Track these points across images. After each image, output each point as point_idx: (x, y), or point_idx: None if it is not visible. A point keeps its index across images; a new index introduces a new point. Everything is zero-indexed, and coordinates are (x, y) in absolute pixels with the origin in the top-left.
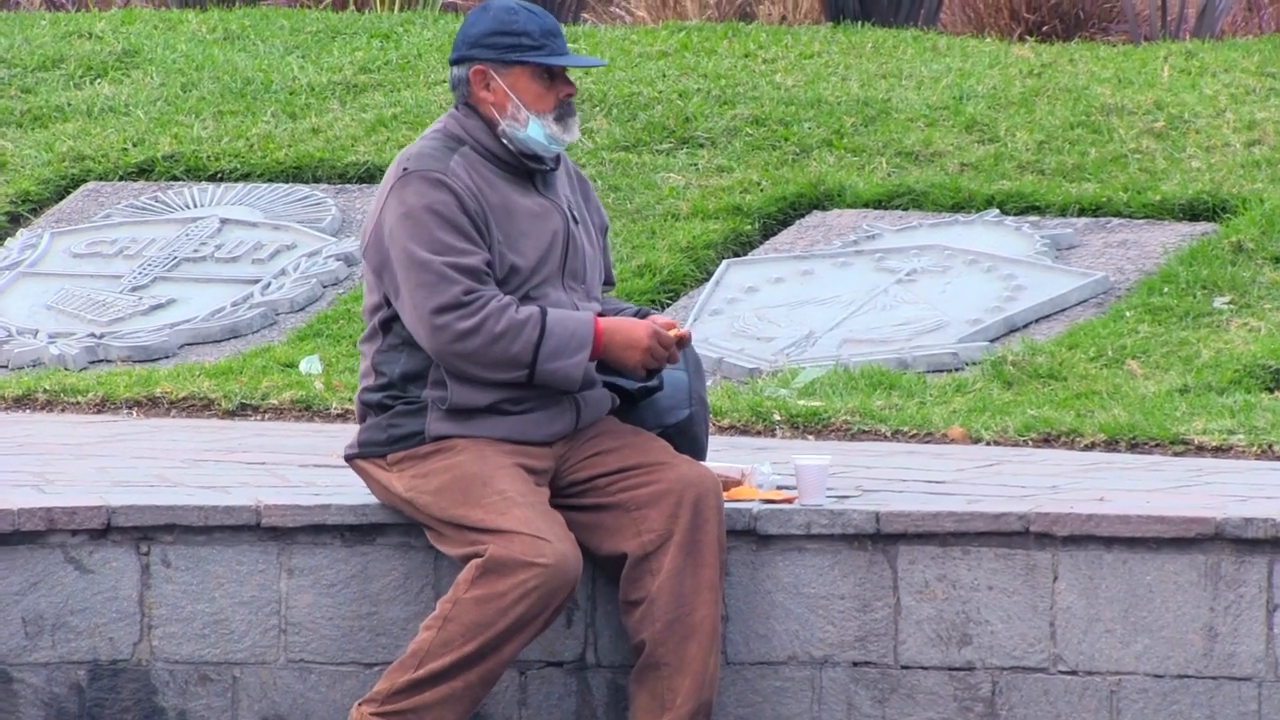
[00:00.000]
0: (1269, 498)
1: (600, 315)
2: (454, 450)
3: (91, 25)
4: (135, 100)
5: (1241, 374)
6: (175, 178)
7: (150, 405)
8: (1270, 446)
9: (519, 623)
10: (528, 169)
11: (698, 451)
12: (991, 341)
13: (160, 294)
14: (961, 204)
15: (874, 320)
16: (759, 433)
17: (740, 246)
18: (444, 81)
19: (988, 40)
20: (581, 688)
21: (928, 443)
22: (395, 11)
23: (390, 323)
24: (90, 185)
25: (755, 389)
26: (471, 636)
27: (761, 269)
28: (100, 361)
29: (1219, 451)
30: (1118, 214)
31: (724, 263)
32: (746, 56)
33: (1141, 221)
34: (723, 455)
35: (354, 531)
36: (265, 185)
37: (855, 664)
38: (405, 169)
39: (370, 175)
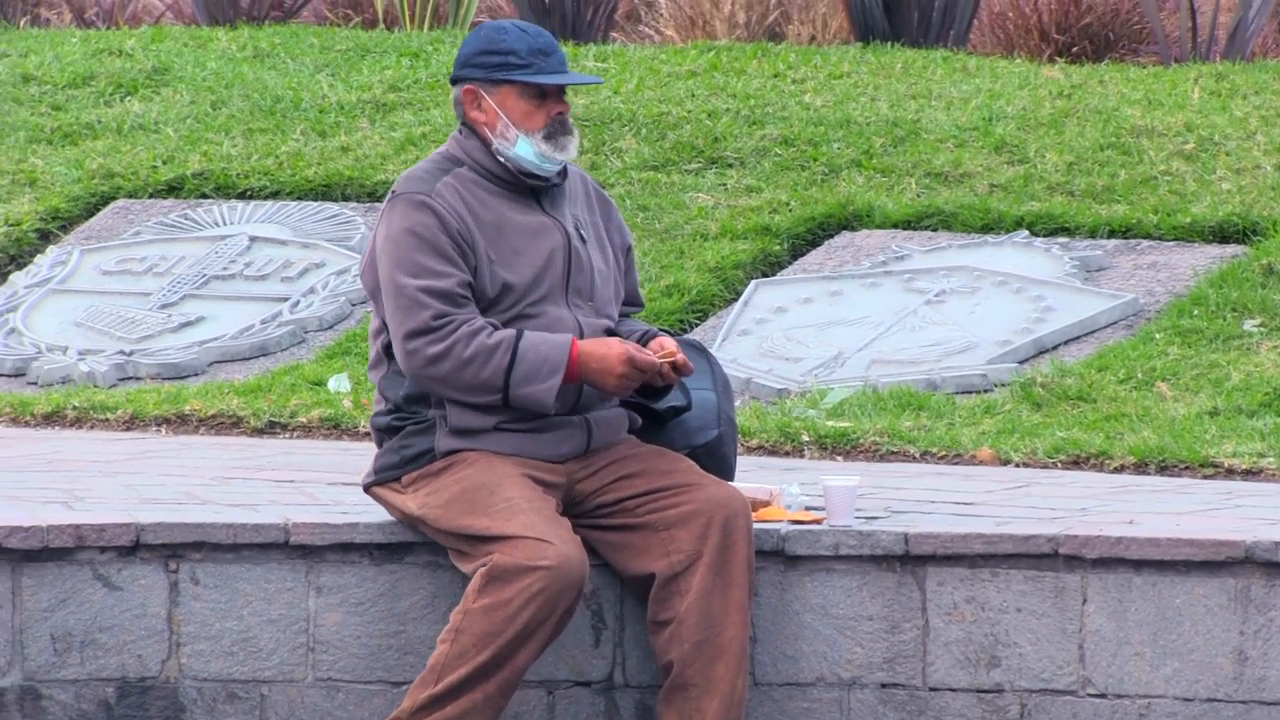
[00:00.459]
0: None
1: (611, 334)
2: (464, 463)
3: (122, 43)
4: (165, 118)
5: (1271, 396)
6: (205, 195)
7: (179, 423)
8: None
9: (528, 627)
10: (529, 186)
11: (726, 472)
12: (1021, 363)
13: (189, 311)
14: (991, 225)
15: (903, 341)
16: (787, 453)
17: (769, 267)
18: None
19: (1017, 61)
20: (609, 708)
21: (957, 464)
22: (425, 30)
23: (390, 349)
24: (120, 203)
25: (784, 409)
26: (484, 645)
27: (790, 289)
28: (129, 379)
29: (1249, 474)
30: (1147, 236)
31: (752, 283)
32: (776, 76)
33: (1171, 243)
34: (751, 476)
35: (382, 550)
36: (294, 203)
37: (883, 685)
38: (394, 192)
39: None
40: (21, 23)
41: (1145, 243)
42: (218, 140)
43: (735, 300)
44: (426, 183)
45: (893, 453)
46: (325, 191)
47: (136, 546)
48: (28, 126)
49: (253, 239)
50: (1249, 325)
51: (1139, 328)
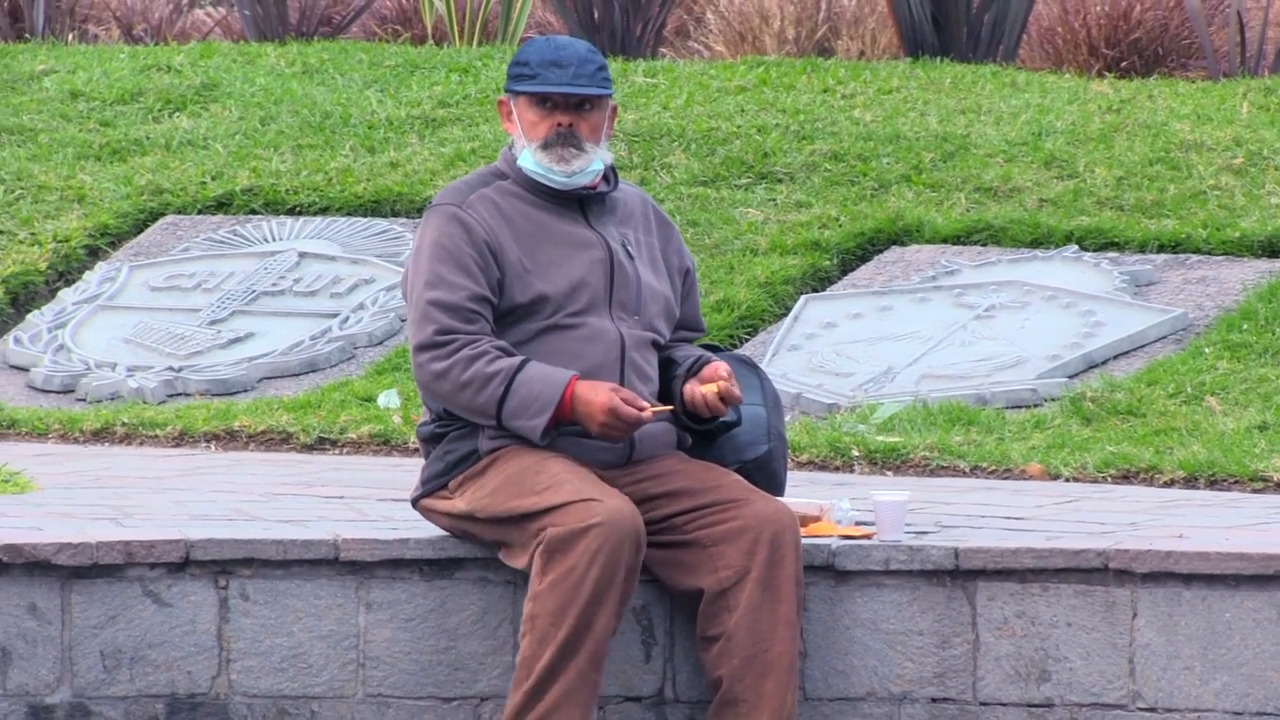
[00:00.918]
0: None
1: (659, 348)
2: (506, 456)
3: (170, 59)
4: (214, 134)
5: None
6: (254, 211)
7: (228, 439)
8: None
9: (598, 589)
10: (574, 198)
11: (776, 487)
12: (1070, 378)
13: (238, 328)
14: (1040, 240)
15: (952, 356)
16: (837, 468)
17: (819, 282)
18: None
19: (1066, 76)
20: None
21: (1006, 479)
22: (474, 46)
23: None
24: (168, 219)
25: (833, 424)
26: (560, 621)
27: (840, 304)
28: (178, 395)
29: None
30: (1197, 250)
31: (802, 298)
32: (825, 92)
33: (1220, 258)
34: (801, 491)
35: (432, 566)
36: (344, 219)
37: (934, 700)
38: (431, 204)
39: None
40: (70, 39)
41: (1194, 257)
42: (266, 156)
43: (785, 315)
44: (461, 194)
45: (942, 467)
46: (374, 207)
47: (186, 563)
48: (76, 143)
49: (302, 255)
50: None
51: (1188, 342)
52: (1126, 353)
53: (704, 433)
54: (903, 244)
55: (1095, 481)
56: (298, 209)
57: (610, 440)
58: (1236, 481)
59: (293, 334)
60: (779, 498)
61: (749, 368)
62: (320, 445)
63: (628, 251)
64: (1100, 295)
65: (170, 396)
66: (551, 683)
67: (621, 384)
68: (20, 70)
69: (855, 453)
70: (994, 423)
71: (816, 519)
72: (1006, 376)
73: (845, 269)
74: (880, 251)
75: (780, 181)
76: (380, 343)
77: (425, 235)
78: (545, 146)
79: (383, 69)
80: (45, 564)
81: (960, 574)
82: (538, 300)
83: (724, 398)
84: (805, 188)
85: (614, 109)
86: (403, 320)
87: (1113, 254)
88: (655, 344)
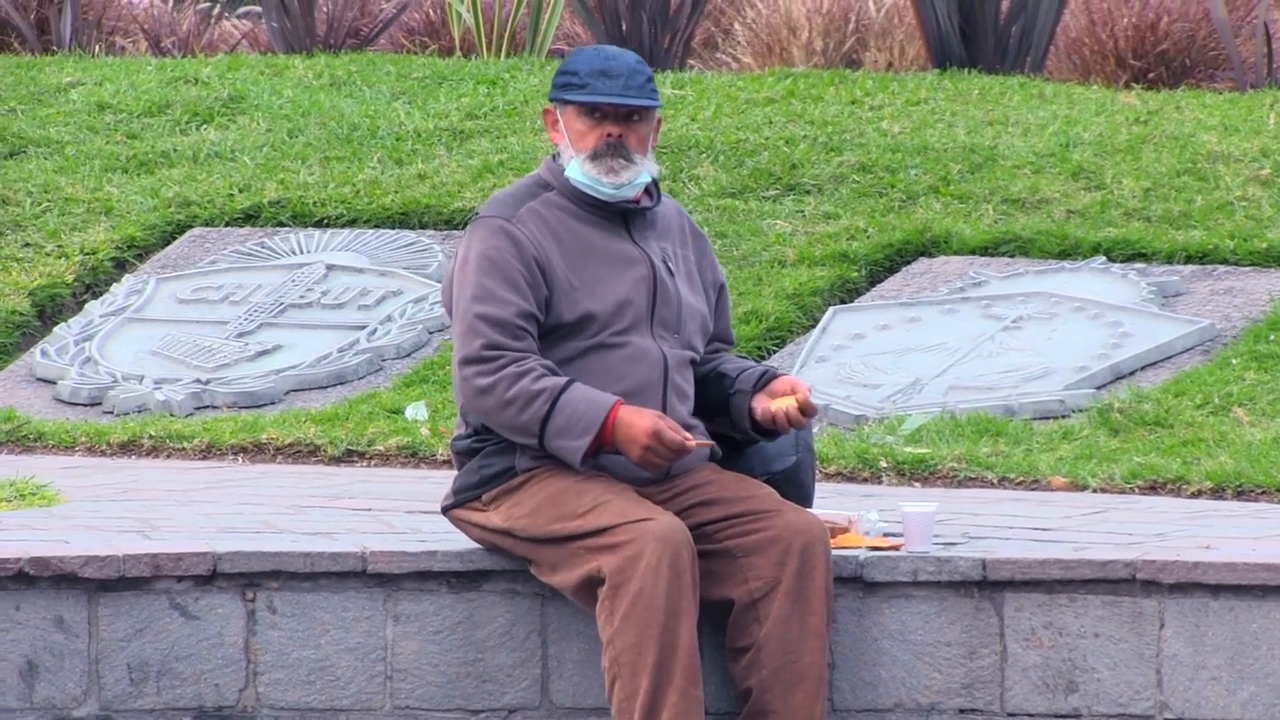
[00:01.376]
0: None
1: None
2: (544, 475)
3: (198, 71)
4: (241, 146)
5: None
6: (281, 223)
7: (256, 451)
8: None
9: (671, 603)
10: (618, 211)
11: (804, 498)
12: (1098, 388)
13: (266, 340)
14: (1068, 251)
15: (980, 367)
16: (865, 479)
17: (847, 293)
18: None
19: (1094, 87)
20: None
21: (1034, 490)
22: (501, 58)
23: None
24: (196, 231)
25: (862, 436)
26: (646, 646)
27: (868, 316)
28: (206, 407)
29: None
30: (1224, 261)
31: (830, 310)
32: (853, 103)
33: (1248, 269)
34: (829, 502)
35: (460, 578)
36: (371, 231)
37: (961, 711)
38: (478, 215)
39: None
40: (97, 51)
41: (1222, 268)
42: (294, 168)
43: (813, 327)
44: (510, 207)
45: (970, 479)
46: (402, 219)
47: (214, 575)
48: (103, 155)
49: (329, 267)
50: None
51: (1215, 353)
52: (1154, 364)
53: (733, 442)
54: (930, 255)
55: (1123, 492)
56: (325, 221)
57: (649, 469)
58: (1264, 492)
59: (320, 346)
60: (807, 509)
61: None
62: (348, 457)
63: (669, 268)
64: (1127, 306)
65: (197, 409)
66: (658, 714)
67: (664, 404)
68: (47, 82)
69: (883, 464)
70: (1021, 434)
71: (845, 530)
72: (1034, 388)
73: (873, 280)
74: (908, 263)
75: (808, 193)
76: (408, 355)
77: (472, 247)
78: (594, 157)
79: (410, 81)
80: (72, 577)
81: (988, 585)
82: (584, 319)
83: (804, 410)
84: (833, 199)
85: (659, 121)
86: (431, 332)
87: (1140, 265)
88: (692, 361)
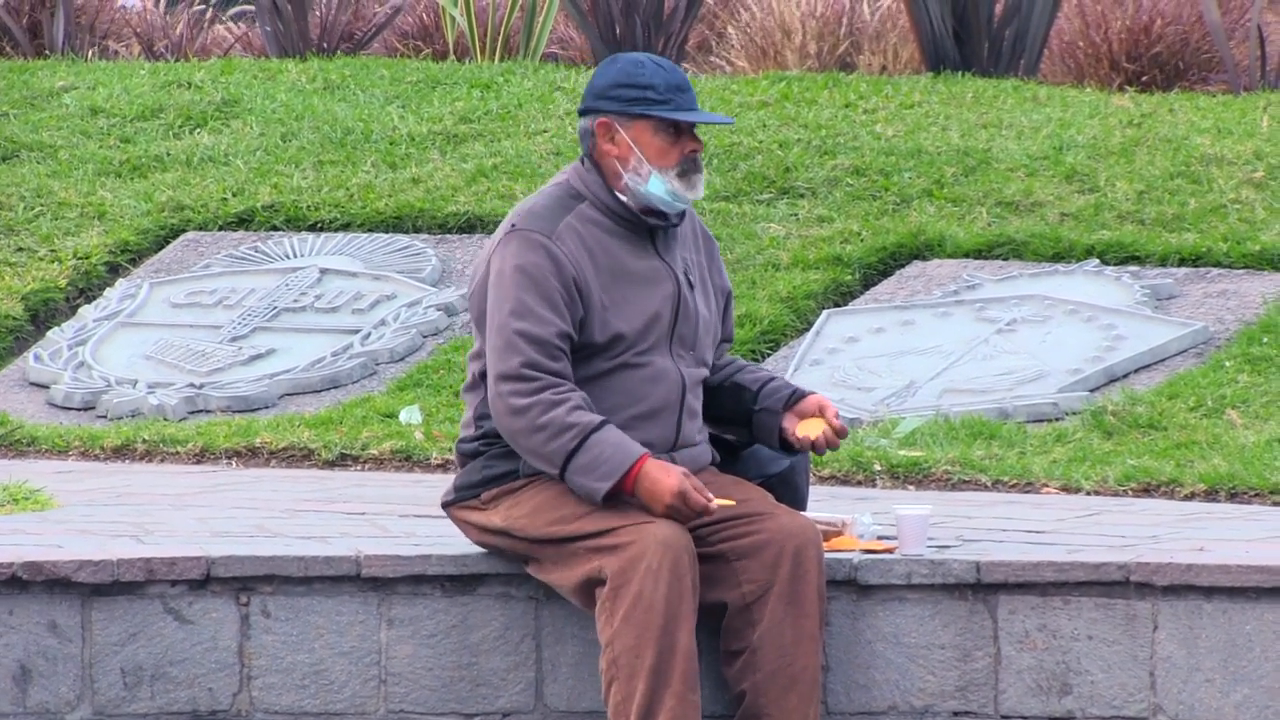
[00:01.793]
0: None
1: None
2: (546, 479)
3: (191, 75)
4: (235, 150)
5: None
6: (275, 228)
7: (250, 455)
8: None
9: (671, 606)
10: (647, 226)
11: (798, 501)
12: (1092, 391)
13: (260, 344)
14: (1062, 254)
15: (974, 370)
16: (859, 483)
17: (840, 297)
18: (544, 131)
19: (1087, 90)
20: None
21: (1028, 493)
22: (495, 62)
23: (486, 375)
24: (189, 235)
25: (856, 439)
26: (643, 649)
27: (862, 319)
28: (199, 412)
29: None
30: (1217, 264)
31: (824, 313)
32: (847, 107)
33: (1241, 271)
34: (823, 505)
35: (454, 582)
36: (365, 235)
37: (955, 714)
38: (513, 225)
39: (470, 225)
40: (90, 55)
41: (1215, 271)
42: (288, 172)
43: (807, 330)
44: (548, 222)
45: (964, 481)
46: (396, 223)
47: (207, 580)
48: (96, 160)
49: (323, 271)
50: None
51: (1209, 356)
52: (1147, 366)
53: (728, 445)
54: (924, 258)
55: (1116, 495)
56: (319, 225)
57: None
58: (1257, 494)
59: (314, 350)
60: (801, 512)
61: None
62: (342, 462)
63: (689, 280)
64: (1121, 309)
65: (191, 413)
66: (654, 717)
67: (677, 426)
68: (40, 87)
69: (877, 467)
70: (1015, 437)
71: (839, 533)
72: (1028, 390)
73: (867, 284)
74: (902, 266)
75: (802, 196)
76: (402, 359)
77: (508, 259)
78: (683, 174)
79: (404, 85)
80: (66, 581)
81: (982, 588)
82: (614, 339)
83: (839, 433)
84: (827, 203)
85: None
86: (425, 336)
87: (1134, 268)
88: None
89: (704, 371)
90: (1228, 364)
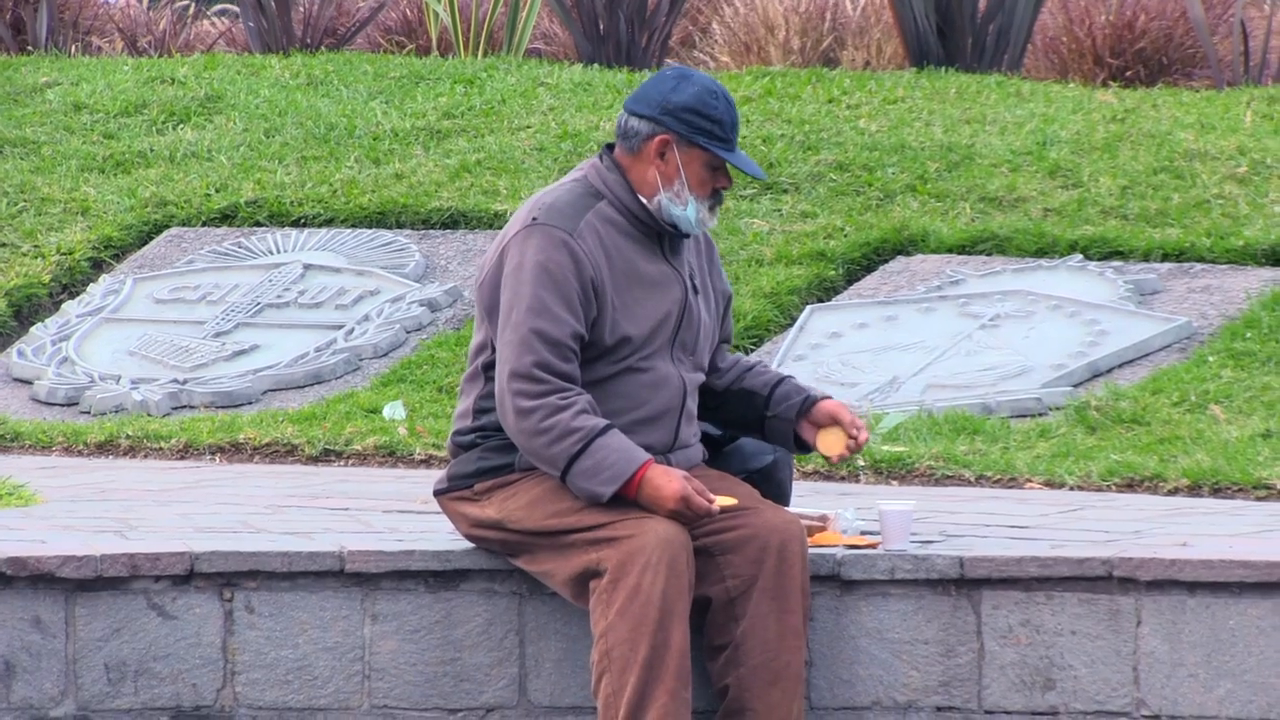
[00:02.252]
0: None
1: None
2: (541, 472)
3: (174, 71)
4: (218, 146)
5: None
6: (258, 223)
7: (233, 451)
8: None
9: (667, 601)
10: (660, 231)
11: (782, 497)
12: (1075, 386)
13: (243, 340)
14: (1045, 249)
15: (958, 365)
16: (843, 478)
17: (824, 292)
18: (528, 127)
19: (1071, 86)
20: None
21: (1011, 488)
22: (479, 57)
23: (490, 367)
24: (173, 231)
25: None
26: (637, 643)
27: (845, 314)
28: (183, 407)
29: None
30: (1201, 259)
31: (808, 308)
32: (830, 102)
33: (1224, 267)
34: (807, 500)
35: (438, 577)
36: (349, 231)
37: (939, 709)
38: (534, 218)
39: (454, 221)
40: (73, 51)
41: (1198, 266)
42: (271, 168)
43: (791, 326)
44: (571, 218)
45: (948, 477)
46: (379, 219)
47: (191, 575)
48: (80, 155)
49: (307, 267)
50: None
51: (1192, 351)
52: (1131, 361)
53: (711, 441)
54: (908, 254)
55: (1100, 490)
56: (302, 221)
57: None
58: (1240, 489)
59: (298, 346)
60: (785, 507)
61: None
62: (325, 457)
63: (694, 285)
64: (1105, 304)
65: (175, 409)
66: (644, 712)
67: (676, 431)
68: (23, 82)
69: (861, 462)
70: (999, 432)
71: (822, 528)
72: (1011, 386)
73: (850, 279)
74: (885, 261)
75: (785, 192)
76: (385, 354)
77: (530, 253)
78: (712, 208)
79: (387, 80)
80: (49, 577)
81: (965, 583)
82: (621, 342)
83: (860, 445)
84: (810, 198)
85: None
86: (409, 332)
87: (1117, 263)
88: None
89: (702, 376)
90: (1211, 359)
